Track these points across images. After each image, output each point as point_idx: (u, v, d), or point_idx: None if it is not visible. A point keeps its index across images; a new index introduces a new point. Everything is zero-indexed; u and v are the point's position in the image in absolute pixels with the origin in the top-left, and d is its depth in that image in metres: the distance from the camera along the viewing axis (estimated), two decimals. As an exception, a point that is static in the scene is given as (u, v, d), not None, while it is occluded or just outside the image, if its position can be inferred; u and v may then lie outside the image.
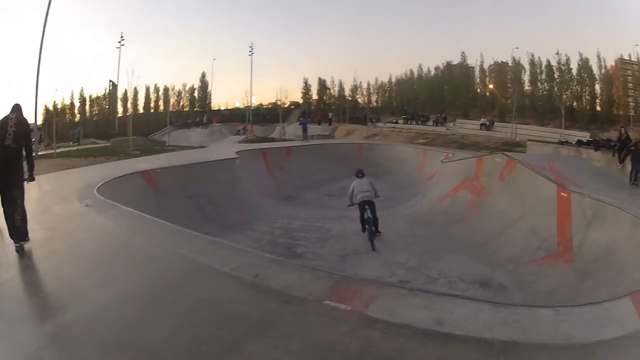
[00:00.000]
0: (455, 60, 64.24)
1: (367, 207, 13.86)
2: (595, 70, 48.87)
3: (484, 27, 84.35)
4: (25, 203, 7.48)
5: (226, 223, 15.73)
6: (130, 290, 5.46)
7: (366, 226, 13.92)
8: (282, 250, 13.40)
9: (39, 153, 30.19)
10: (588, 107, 48.69)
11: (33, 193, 12.49)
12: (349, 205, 14.77)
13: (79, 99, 75.31)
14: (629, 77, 47.04)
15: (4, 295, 5.64)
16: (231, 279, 5.71)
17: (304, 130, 42.09)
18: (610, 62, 48.38)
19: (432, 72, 66.92)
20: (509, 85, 54.58)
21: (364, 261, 12.48)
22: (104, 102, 76.94)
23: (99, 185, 13.12)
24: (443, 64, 65.97)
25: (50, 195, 13.76)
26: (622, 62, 47.72)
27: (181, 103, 79.57)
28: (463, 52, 62.99)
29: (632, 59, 47.02)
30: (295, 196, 22.92)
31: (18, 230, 7.20)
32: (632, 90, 46.31)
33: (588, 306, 5.49)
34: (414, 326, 4.47)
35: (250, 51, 75.19)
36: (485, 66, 60.46)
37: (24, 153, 7.53)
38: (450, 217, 16.79)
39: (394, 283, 9.76)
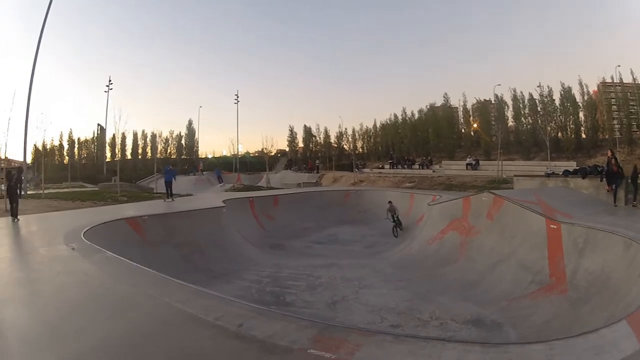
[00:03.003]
0: (439, 101, 65.13)
1: None
2: (578, 97, 49.73)
3: (465, 67, 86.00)
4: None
5: (214, 272, 15.53)
6: (111, 338, 5.29)
7: None
8: (271, 298, 13.15)
9: (29, 192, 32.08)
10: (573, 135, 49.11)
11: (20, 233, 15.00)
12: None
13: (68, 141, 75.71)
14: (613, 100, 47.63)
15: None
16: (215, 329, 5.52)
17: (168, 183, 28.67)
18: (592, 87, 49.17)
19: (416, 115, 67.64)
20: (493, 122, 55.05)
21: (354, 308, 12.24)
22: (92, 145, 77.25)
23: (85, 229, 13.05)
24: (426, 106, 66.91)
25: (37, 236, 13.90)
26: (604, 86, 48.34)
27: (168, 150, 79.91)
28: (446, 93, 63.99)
29: (614, 81, 47.74)
30: (283, 244, 22.70)
31: (15, 214, 17.03)
32: (617, 113, 46.78)
33: (583, 336, 5.34)
34: (401, 373, 4.34)
35: (235, 99, 76.10)
36: (469, 105, 61.25)
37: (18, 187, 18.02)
38: (440, 258, 16.66)
39: (380, 330, 9.54)
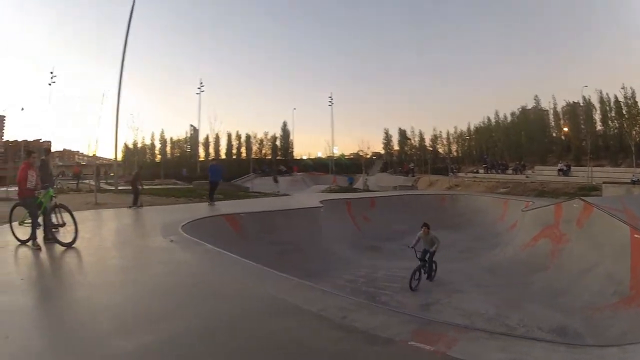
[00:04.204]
0: (530, 104, 63.58)
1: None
2: (659, 98, 46.11)
3: (554, 67, 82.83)
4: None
5: (309, 270, 15.78)
6: (209, 321, 5.68)
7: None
8: (366, 298, 13.34)
9: (119, 187, 35.46)
10: (656, 140, 45.57)
11: (120, 224, 16.07)
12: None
13: (160, 140, 79.43)
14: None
15: (82, 312, 6.10)
16: (318, 319, 5.78)
17: (214, 184, 25.13)
18: (672, 87, 45.77)
19: (509, 118, 66.45)
20: (582, 126, 53.12)
21: (445, 311, 12.71)
22: (185, 145, 79.82)
23: (183, 223, 14.05)
24: (518, 109, 65.64)
25: (135, 228, 15.25)
26: (682, 85, 45.39)
27: (263, 151, 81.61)
28: (536, 96, 62.45)
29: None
30: (378, 246, 23.13)
31: (135, 203, 21.93)
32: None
33: (653, 340, 5.68)
34: (494, 366, 4.80)
35: (330, 101, 77.04)
36: (559, 108, 59.73)
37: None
38: (530, 265, 16.60)
39: (476, 327, 9.82)
